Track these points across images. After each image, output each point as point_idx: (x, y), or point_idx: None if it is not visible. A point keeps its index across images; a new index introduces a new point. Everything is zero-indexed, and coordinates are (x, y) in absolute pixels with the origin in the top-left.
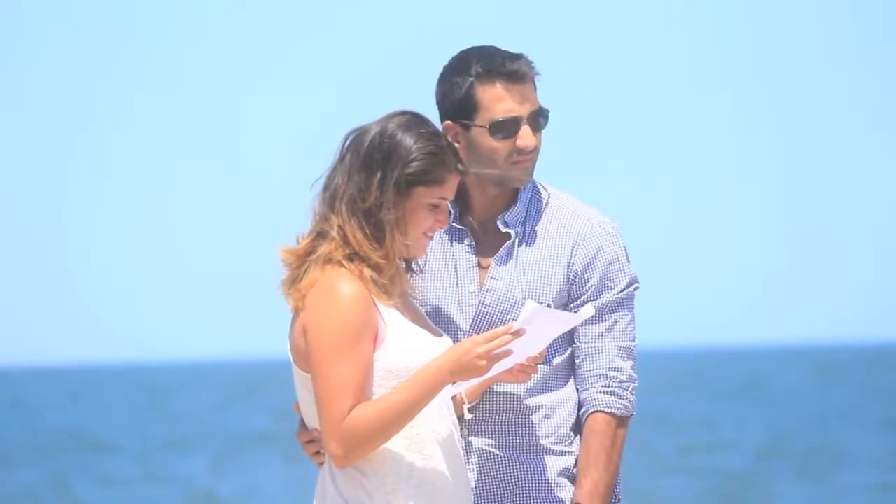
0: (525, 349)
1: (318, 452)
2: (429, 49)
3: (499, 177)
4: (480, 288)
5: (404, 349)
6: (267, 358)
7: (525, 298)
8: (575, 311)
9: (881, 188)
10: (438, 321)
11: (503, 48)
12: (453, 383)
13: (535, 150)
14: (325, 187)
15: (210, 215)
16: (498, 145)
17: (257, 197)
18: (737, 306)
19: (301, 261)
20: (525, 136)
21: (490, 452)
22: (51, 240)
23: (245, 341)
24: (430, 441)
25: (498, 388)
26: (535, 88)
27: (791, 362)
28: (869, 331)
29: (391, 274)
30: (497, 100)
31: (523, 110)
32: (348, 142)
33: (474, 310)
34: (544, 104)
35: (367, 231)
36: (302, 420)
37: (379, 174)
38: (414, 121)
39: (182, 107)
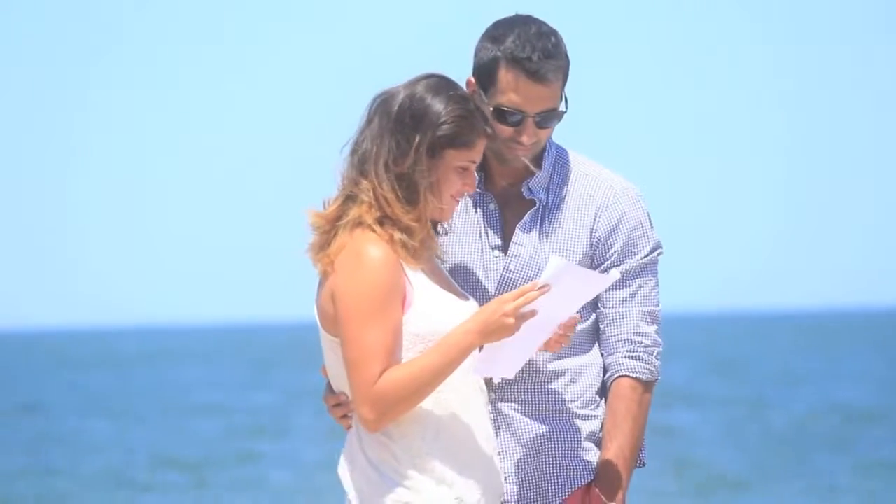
0: (553, 310)
1: (345, 416)
2: (427, 45)
3: (497, 152)
4: (504, 253)
5: (432, 313)
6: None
7: None
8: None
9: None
10: (464, 285)
11: (548, 30)
12: (480, 348)
13: (537, 143)
14: (353, 151)
15: (220, 185)
16: (500, 126)
17: (267, 163)
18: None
19: (331, 224)
20: (527, 131)
21: (516, 417)
22: (55, 218)
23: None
24: (457, 405)
25: None
26: (562, 85)
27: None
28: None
29: (422, 237)
30: (511, 89)
31: (532, 108)
32: (376, 105)
33: (499, 275)
34: (566, 99)
35: (400, 194)
36: (328, 384)
37: (414, 137)
38: (442, 84)
39: (190, 78)
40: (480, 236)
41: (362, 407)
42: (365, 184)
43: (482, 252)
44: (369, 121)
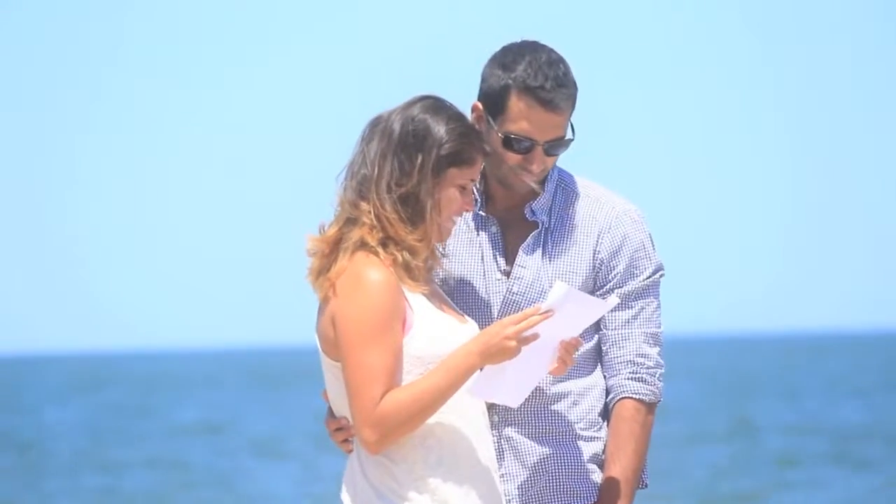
0: (554, 334)
1: (346, 440)
2: (428, 51)
3: (502, 178)
4: (507, 275)
5: (432, 335)
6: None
7: (552, 286)
8: (602, 298)
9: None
10: (466, 308)
11: (557, 57)
12: (481, 369)
13: (544, 171)
14: (352, 175)
15: (220, 207)
16: (508, 153)
17: (265, 188)
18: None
19: (331, 248)
20: (536, 159)
21: (519, 439)
22: (58, 230)
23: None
24: (459, 427)
25: None
26: (571, 113)
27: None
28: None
29: (426, 256)
30: (521, 117)
31: (542, 136)
32: (372, 128)
33: (502, 297)
34: (572, 127)
35: (403, 214)
36: (330, 408)
37: (417, 157)
38: (439, 104)
39: (192, 91)
40: (482, 259)
41: (364, 429)
42: (365, 206)
43: (484, 275)
44: (366, 144)
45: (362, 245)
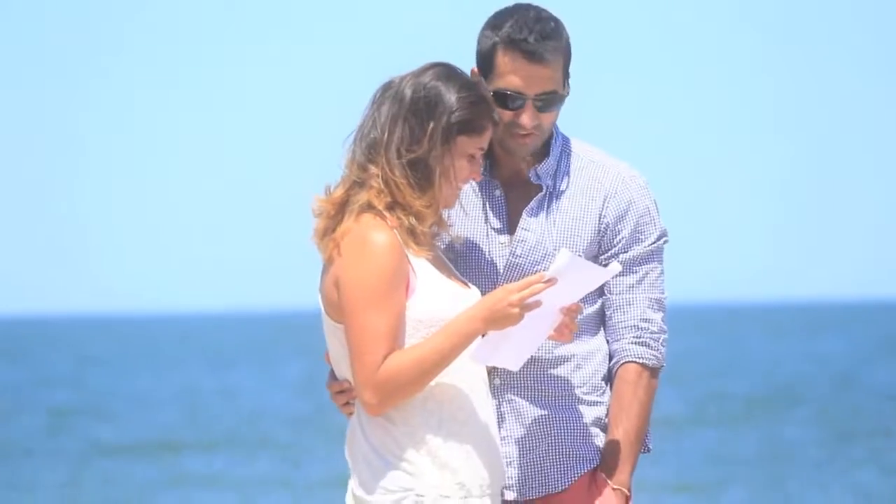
0: (556, 301)
1: (347, 403)
2: (428, 43)
3: (500, 140)
4: (511, 239)
5: (435, 299)
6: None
7: (556, 249)
8: (604, 265)
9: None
10: (469, 271)
11: (548, 15)
12: (483, 334)
13: (539, 129)
14: (360, 138)
15: (224, 176)
16: (501, 111)
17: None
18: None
19: (337, 209)
20: (526, 114)
21: (521, 403)
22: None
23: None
24: (461, 391)
25: None
26: (563, 67)
27: None
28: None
29: (433, 222)
30: (509, 71)
31: (531, 90)
32: (383, 93)
33: (506, 260)
34: (567, 84)
35: (412, 180)
36: (332, 371)
37: (429, 123)
38: (451, 71)
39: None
40: (486, 221)
41: (365, 391)
42: (374, 170)
43: (488, 237)
44: (377, 108)
45: (369, 207)
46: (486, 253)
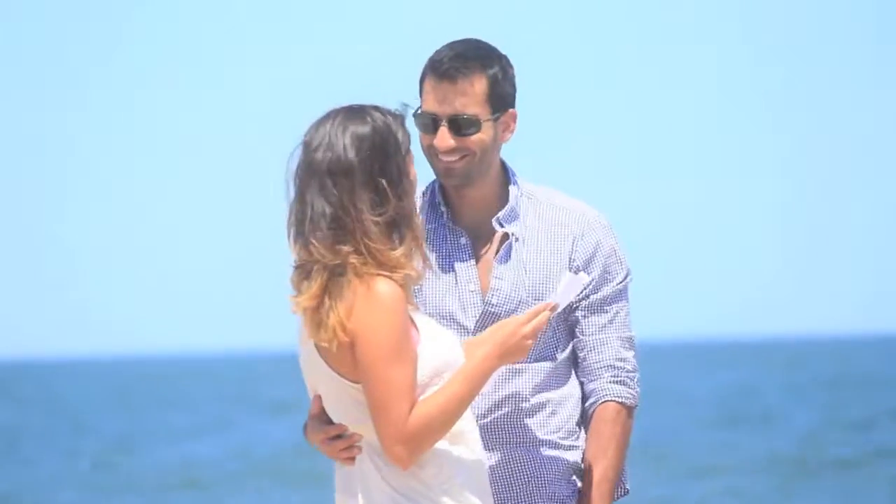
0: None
1: (347, 448)
2: (416, 49)
3: (430, 165)
4: (480, 287)
5: (438, 345)
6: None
7: (530, 296)
8: (575, 274)
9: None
10: (440, 321)
11: (481, 43)
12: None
13: (454, 153)
14: (313, 228)
15: (210, 211)
16: (421, 136)
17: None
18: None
19: (319, 301)
20: (439, 136)
21: (500, 447)
22: (51, 234)
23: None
24: (470, 431)
25: (504, 386)
26: (487, 92)
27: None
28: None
29: (417, 275)
30: (426, 93)
31: (442, 110)
32: (315, 169)
33: (478, 309)
34: (494, 110)
35: (393, 237)
36: (314, 420)
37: (390, 169)
38: (357, 107)
39: (184, 95)
40: (454, 270)
41: (396, 446)
42: (346, 248)
43: (457, 285)
44: (316, 192)
45: (365, 273)
46: (456, 302)
